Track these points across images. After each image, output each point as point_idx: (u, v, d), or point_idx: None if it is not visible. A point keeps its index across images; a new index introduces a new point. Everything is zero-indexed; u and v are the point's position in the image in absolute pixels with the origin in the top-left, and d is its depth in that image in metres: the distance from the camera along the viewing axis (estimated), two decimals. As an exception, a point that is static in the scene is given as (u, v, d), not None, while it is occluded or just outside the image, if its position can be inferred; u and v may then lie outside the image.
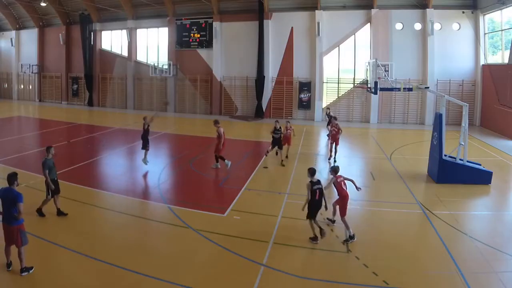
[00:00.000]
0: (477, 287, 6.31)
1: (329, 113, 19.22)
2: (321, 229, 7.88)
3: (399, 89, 13.82)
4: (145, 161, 13.46)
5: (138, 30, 31.29)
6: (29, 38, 35.85)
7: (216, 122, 13.35)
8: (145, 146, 13.47)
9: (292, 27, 26.22)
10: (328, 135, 17.40)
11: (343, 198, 8.19)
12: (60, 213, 8.95)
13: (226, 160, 13.17)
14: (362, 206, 10.18)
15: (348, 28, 25.22)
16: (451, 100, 13.08)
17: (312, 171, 7.98)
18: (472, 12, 23.28)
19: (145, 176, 13.06)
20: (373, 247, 7.76)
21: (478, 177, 11.86)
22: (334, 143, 14.70)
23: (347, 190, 8.27)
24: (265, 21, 26.33)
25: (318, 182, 7.89)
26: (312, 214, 7.89)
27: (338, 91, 26.45)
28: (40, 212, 8.88)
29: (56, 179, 9.01)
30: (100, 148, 17.19)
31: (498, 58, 22.76)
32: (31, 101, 36.35)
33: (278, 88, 27.09)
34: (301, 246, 7.81)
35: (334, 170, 8.50)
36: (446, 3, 23.68)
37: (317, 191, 7.78)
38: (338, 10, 25.41)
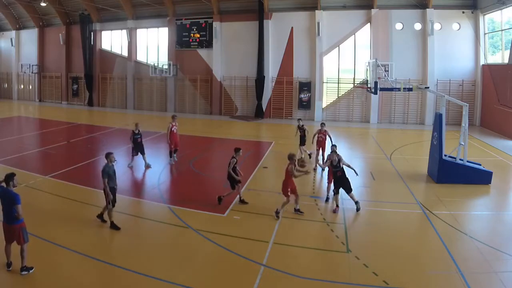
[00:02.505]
0: (477, 287, 6.31)
1: (302, 125, 14.70)
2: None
3: (399, 89, 13.80)
4: (146, 164, 13.46)
5: (138, 30, 31.27)
6: (29, 38, 35.84)
7: (172, 117, 14.22)
8: (136, 153, 13.33)
9: (292, 27, 26.21)
10: (301, 143, 14.44)
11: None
12: (113, 226, 8.31)
13: (172, 157, 14.04)
14: (362, 206, 10.16)
15: (348, 28, 25.21)
16: (451, 100, 13.08)
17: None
18: (472, 12, 23.27)
19: (144, 176, 13.07)
20: (373, 247, 7.76)
21: (478, 177, 11.85)
22: (321, 149, 13.53)
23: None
24: (265, 21, 26.32)
25: None
26: None
27: (338, 91, 26.44)
28: (101, 217, 8.62)
29: (115, 188, 8.50)
30: (100, 148, 17.17)
31: (498, 58, 22.76)
32: (31, 101, 36.33)
33: (278, 88, 27.09)
34: (301, 246, 7.82)
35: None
36: (446, 3, 23.67)
37: None
38: (338, 10, 25.40)
